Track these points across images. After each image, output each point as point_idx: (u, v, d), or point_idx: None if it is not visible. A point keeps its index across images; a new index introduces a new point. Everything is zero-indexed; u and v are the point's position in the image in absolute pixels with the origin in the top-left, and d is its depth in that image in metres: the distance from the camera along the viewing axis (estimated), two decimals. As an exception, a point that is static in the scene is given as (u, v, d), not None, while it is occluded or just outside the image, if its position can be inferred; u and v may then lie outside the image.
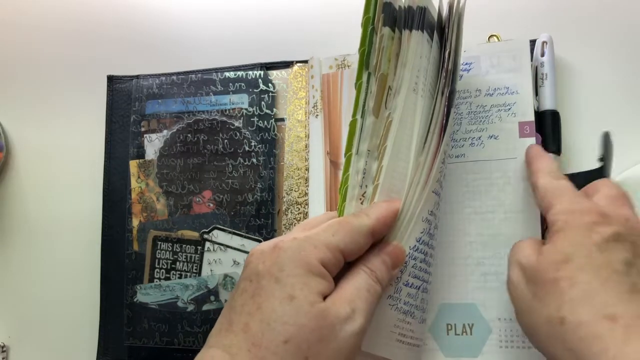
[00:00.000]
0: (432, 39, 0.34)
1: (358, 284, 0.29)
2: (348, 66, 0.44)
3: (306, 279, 0.27)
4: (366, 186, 0.32)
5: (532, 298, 0.27)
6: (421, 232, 0.33)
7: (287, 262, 0.28)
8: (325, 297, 0.28)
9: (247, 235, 0.45)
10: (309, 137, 0.45)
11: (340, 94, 0.44)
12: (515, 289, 0.29)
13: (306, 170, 0.45)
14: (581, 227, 0.27)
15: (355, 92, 0.33)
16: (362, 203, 0.32)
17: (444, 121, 0.33)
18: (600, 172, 0.38)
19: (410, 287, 0.33)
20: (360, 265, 0.30)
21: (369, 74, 0.33)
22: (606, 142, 0.38)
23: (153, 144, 0.48)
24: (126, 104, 0.50)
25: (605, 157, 0.38)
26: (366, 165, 0.33)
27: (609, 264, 0.25)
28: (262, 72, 0.47)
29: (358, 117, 0.33)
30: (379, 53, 0.33)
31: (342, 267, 0.30)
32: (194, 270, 0.46)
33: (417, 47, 0.33)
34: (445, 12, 0.35)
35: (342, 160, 0.43)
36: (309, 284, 0.27)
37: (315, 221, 0.32)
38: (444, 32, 0.35)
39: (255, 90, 0.47)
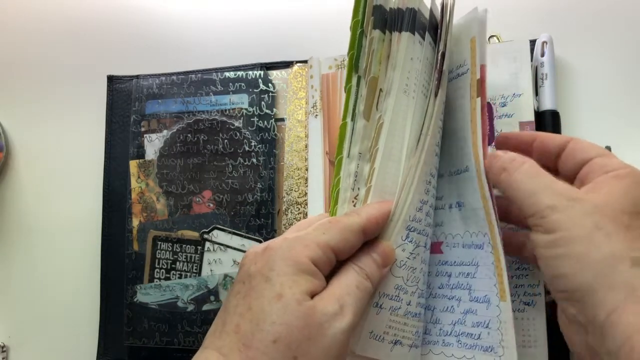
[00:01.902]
0: (424, 40, 0.34)
1: (347, 280, 0.29)
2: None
3: (296, 277, 0.28)
4: (358, 189, 0.33)
5: (594, 229, 0.27)
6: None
7: (278, 262, 0.28)
8: (315, 296, 0.28)
9: (247, 235, 0.45)
10: (308, 137, 0.45)
11: (340, 94, 0.44)
12: (567, 215, 0.28)
13: (306, 170, 0.45)
14: None
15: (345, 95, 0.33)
16: (354, 205, 0.32)
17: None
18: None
19: (404, 288, 0.33)
20: (350, 264, 0.30)
21: (359, 77, 0.33)
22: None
23: (153, 144, 0.48)
24: (126, 104, 0.50)
25: None
26: (358, 168, 0.33)
27: None
28: (262, 72, 0.47)
29: (348, 120, 0.33)
30: (369, 56, 0.33)
31: (334, 267, 0.30)
32: (194, 270, 0.46)
33: (408, 48, 0.33)
34: (438, 13, 0.35)
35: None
36: (298, 282, 0.27)
37: (308, 222, 0.32)
38: (437, 32, 0.35)
39: (255, 90, 0.47)
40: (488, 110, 0.34)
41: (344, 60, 0.44)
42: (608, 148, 0.38)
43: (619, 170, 0.29)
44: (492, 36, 0.43)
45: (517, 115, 0.40)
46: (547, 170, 0.30)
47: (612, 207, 0.27)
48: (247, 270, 0.29)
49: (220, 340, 0.27)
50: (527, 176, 0.30)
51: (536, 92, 0.41)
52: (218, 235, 0.46)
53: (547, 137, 0.33)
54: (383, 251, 0.31)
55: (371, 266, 0.30)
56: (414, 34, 0.33)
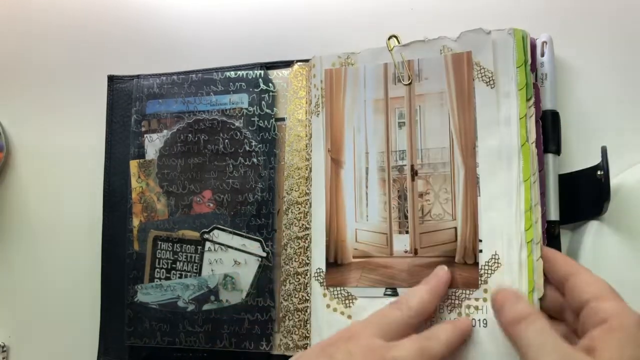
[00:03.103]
0: None
1: None
2: (351, 64, 0.44)
3: None
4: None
5: None
6: None
7: None
8: None
9: (247, 235, 0.45)
10: (309, 137, 0.45)
11: (344, 90, 0.44)
12: None
13: (306, 169, 0.45)
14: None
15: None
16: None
17: None
18: (596, 175, 0.39)
19: None
20: None
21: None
22: (605, 156, 0.38)
23: (153, 144, 0.48)
24: (127, 104, 0.50)
25: (605, 169, 0.38)
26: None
27: None
28: (262, 72, 0.48)
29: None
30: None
31: None
32: (195, 270, 0.46)
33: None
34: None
35: (343, 158, 0.43)
36: None
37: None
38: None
39: (255, 90, 0.47)
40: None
41: (348, 58, 0.44)
42: (604, 148, 0.38)
43: (611, 322, 0.29)
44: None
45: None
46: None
47: None
48: None
49: None
50: (537, 333, 0.31)
51: (536, 92, 0.41)
52: (218, 235, 0.46)
53: (554, 263, 0.36)
54: None
55: None
56: None
